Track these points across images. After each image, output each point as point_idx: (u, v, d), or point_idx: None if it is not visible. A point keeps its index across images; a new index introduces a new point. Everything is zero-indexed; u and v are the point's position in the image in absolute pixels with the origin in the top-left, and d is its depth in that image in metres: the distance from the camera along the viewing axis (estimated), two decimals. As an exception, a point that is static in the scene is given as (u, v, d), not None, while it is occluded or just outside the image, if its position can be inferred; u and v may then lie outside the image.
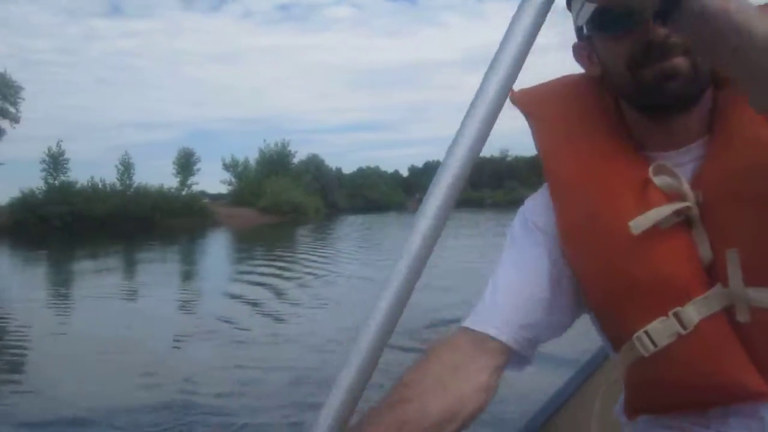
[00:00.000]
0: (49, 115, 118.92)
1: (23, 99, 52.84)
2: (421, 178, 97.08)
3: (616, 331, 1.19)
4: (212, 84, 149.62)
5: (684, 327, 1.10)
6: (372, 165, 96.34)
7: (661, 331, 1.12)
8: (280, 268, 17.42)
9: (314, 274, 15.94)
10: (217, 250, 28.80)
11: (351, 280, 14.77)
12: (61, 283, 16.96)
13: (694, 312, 1.10)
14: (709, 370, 1.12)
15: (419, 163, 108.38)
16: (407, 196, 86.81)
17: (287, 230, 37.87)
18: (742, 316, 1.10)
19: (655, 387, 1.19)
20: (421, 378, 1.11)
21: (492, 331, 1.16)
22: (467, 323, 1.19)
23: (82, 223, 44.88)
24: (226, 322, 9.85)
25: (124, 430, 5.23)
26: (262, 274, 15.93)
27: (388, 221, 46.23)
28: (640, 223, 1.10)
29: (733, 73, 0.94)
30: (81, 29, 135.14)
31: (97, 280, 16.20)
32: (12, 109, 51.86)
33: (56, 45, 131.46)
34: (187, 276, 18.05)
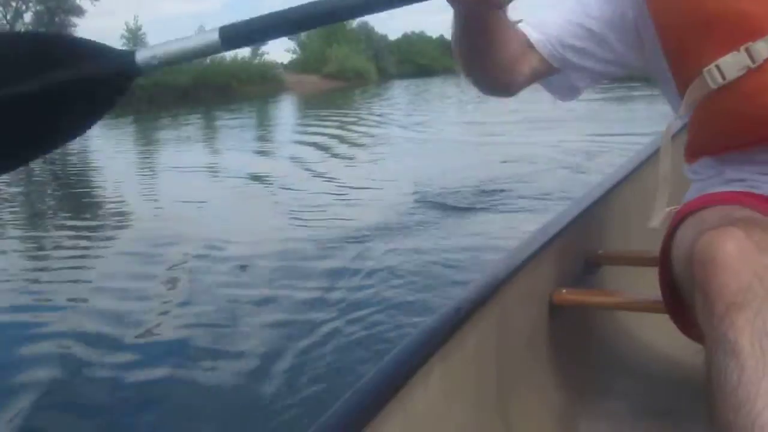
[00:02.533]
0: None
1: (101, -22, 52.23)
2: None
3: (687, 69, 1.13)
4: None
5: (753, 61, 1.05)
6: (417, 30, 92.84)
7: (731, 64, 1.06)
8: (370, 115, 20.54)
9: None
10: (305, 109, 29.99)
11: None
12: (155, 141, 17.99)
13: (765, 48, 1.05)
14: None
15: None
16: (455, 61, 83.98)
17: (357, 93, 38.42)
18: None
19: (719, 123, 1.14)
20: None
21: (534, 38, 1.19)
22: (522, 24, 1.20)
23: (166, 93, 45.56)
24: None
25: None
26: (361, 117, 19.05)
27: (435, 83, 46.30)
28: None
29: None
30: None
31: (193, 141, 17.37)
32: (92, -12, 51.54)
33: None
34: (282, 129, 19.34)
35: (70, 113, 0.84)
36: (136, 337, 3.71)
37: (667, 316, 1.21)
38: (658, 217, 1.26)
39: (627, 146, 7.23)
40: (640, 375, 1.57)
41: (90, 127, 0.88)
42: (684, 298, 1.12)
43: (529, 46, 1.18)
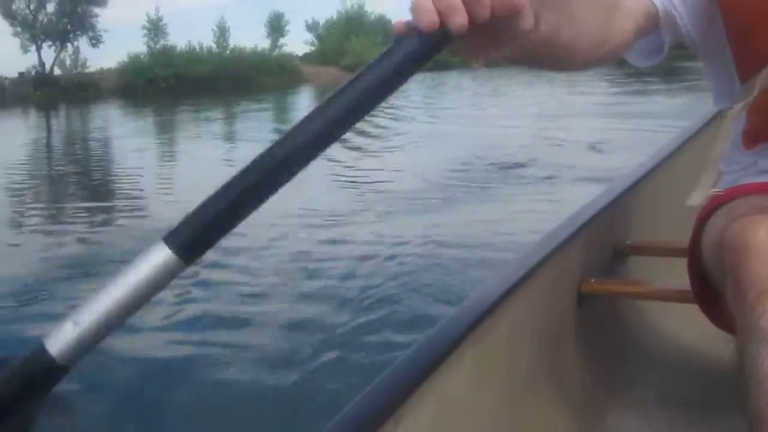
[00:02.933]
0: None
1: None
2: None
3: (754, 53, 1.10)
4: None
5: None
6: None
7: None
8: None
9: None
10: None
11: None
12: (176, 127, 19.00)
13: None
14: None
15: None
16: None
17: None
18: None
19: None
20: None
21: None
22: None
23: (185, 84, 45.78)
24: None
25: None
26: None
27: (452, 76, 46.42)
28: None
29: None
30: None
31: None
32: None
33: None
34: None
35: None
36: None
37: (696, 307, 1.21)
38: (701, 196, 1.20)
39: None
40: (668, 365, 1.57)
41: None
42: (714, 288, 1.11)
43: (627, 5, 1.03)
